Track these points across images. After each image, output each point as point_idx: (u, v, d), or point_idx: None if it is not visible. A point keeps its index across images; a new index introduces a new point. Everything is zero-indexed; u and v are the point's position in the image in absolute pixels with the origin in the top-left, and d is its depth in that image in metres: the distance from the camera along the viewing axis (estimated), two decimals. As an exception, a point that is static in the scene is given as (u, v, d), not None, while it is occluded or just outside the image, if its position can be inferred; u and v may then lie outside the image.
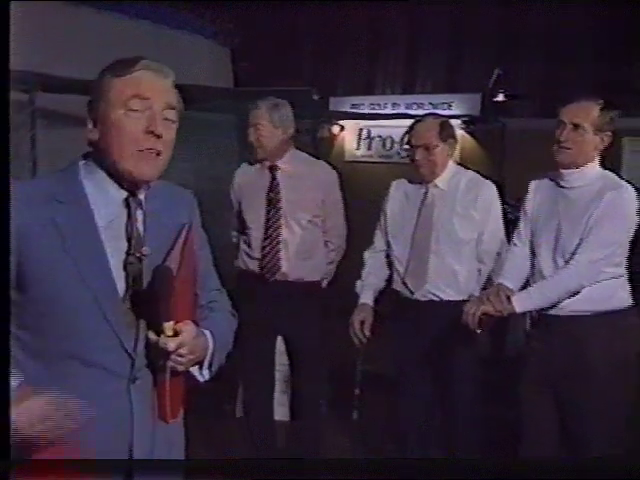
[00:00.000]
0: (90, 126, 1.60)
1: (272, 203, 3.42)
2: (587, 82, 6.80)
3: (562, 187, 2.85)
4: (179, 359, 1.55)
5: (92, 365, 1.52)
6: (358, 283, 3.43)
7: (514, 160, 6.73)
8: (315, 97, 4.79)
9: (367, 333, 3.31)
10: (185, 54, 7.17)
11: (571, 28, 7.27)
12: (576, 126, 2.74)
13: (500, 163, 7.26)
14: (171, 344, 1.51)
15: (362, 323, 3.31)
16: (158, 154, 1.58)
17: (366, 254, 3.46)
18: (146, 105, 1.56)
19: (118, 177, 1.59)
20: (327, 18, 8.42)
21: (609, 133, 2.78)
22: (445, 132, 3.23)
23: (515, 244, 2.99)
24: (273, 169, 3.44)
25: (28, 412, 1.39)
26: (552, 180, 2.90)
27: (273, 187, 3.43)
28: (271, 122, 3.36)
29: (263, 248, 3.42)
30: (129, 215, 1.60)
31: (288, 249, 3.42)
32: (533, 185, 2.99)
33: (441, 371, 3.25)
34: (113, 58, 1.62)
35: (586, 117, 2.74)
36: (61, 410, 1.41)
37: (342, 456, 4.01)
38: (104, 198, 1.59)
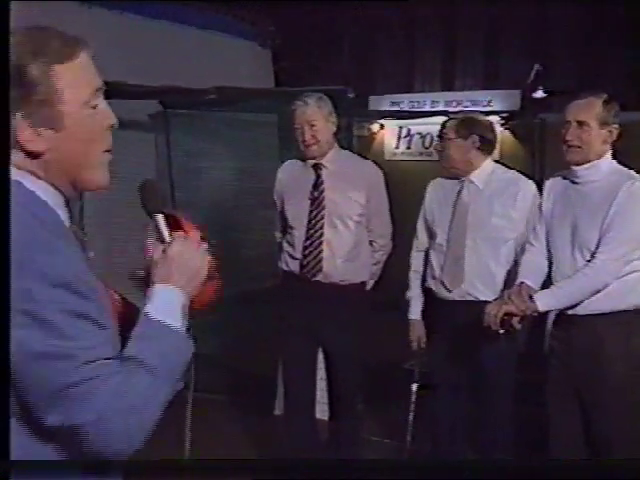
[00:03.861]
0: (28, 133, 1.25)
1: (315, 202, 3.32)
2: (624, 76, 6.73)
3: (575, 183, 2.81)
4: None
5: None
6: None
7: (554, 156, 6.67)
8: (351, 95, 4.79)
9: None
10: (228, 57, 7.30)
11: (608, 22, 7.21)
12: (581, 123, 2.71)
13: (540, 159, 7.20)
14: None
15: None
16: (111, 152, 1.36)
17: (412, 254, 3.47)
18: (100, 97, 1.32)
19: (66, 190, 1.33)
20: (365, 17, 8.47)
21: (616, 126, 2.74)
22: (462, 128, 3.21)
23: (532, 244, 2.94)
24: (317, 167, 3.34)
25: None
26: (565, 178, 2.86)
27: (317, 185, 3.33)
28: (324, 117, 3.27)
29: (305, 248, 3.30)
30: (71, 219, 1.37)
31: (331, 249, 3.30)
32: (548, 184, 2.95)
33: (477, 371, 3.21)
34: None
35: (589, 113, 2.71)
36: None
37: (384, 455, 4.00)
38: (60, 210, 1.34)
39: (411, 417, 3.56)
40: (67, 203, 1.36)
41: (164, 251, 1.38)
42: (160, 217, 1.40)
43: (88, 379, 1.20)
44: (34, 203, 1.28)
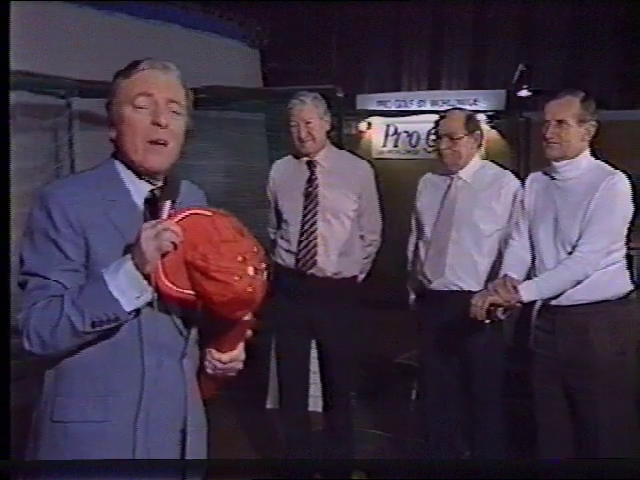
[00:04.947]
0: (109, 126, 1.74)
1: (309, 197, 3.40)
2: (609, 75, 6.83)
3: (556, 179, 2.87)
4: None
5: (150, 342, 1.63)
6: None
7: (539, 153, 6.74)
8: (340, 95, 4.87)
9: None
10: (216, 57, 7.35)
11: (593, 22, 7.31)
12: (560, 122, 2.77)
13: (525, 157, 7.30)
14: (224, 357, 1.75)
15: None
16: (165, 144, 1.69)
17: (410, 240, 3.52)
18: (151, 100, 1.68)
19: (134, 169, 1.72)
20: (352, 17, 8.54)
21: (594, 123, 2.81)
22: (471, 124, 3.25)
23: (514, 238, 3.00)
24: (311, 164, 3.42)
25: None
26: (546, 174, 2.92)
27: (311, 181, 3.41)
28: (319, 116, 3.36)
29: (300, 242, 3.38)
30: (151, 211, 1.69)
31: (325, 243, 3.38)
32: (529, 180, 3.00)
33: (465, 363, 3.25)
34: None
35: (568, 111, 2.77)
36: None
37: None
38: (137, 191, 1.72)
39: (414, 395, 3.63)
40: (147, 180, 1.73)
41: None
42: (168, 203, 1.65)
43: (32, 287, 1.61)
44: (110, 170, 1.74)
